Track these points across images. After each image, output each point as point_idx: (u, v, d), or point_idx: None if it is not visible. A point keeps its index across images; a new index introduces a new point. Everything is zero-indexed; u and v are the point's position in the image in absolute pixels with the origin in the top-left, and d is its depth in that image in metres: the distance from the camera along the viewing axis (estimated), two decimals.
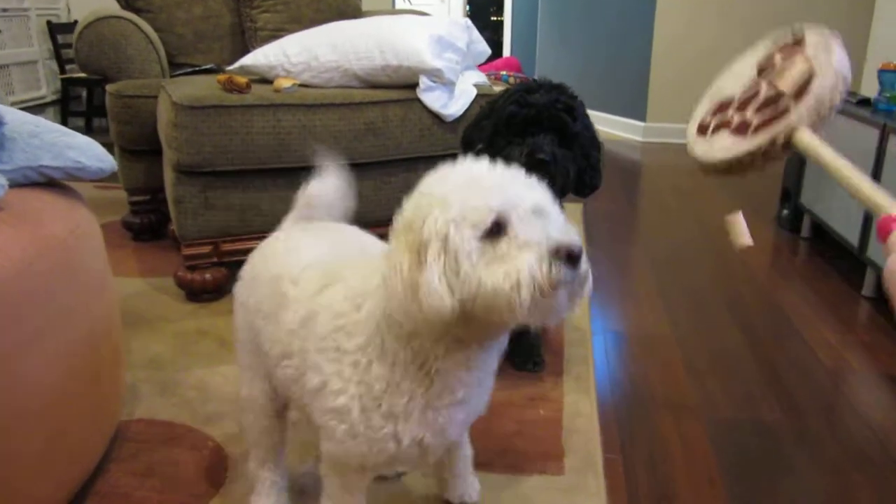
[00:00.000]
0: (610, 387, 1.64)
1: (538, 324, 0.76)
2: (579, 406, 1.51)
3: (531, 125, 1.42)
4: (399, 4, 6.43)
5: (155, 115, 2.20)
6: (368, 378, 0.84)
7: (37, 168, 1.17)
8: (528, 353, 1.65)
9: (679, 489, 1.29)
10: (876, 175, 2.15)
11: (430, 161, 1.59)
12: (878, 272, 2.14)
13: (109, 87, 2.35)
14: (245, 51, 2.54)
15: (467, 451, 1.18)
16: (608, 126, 5.11)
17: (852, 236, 2.29)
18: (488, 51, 2.41)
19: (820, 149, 0.58)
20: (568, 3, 5.82)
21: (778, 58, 0.70)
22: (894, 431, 1.49)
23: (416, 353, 0.82)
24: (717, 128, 0.68)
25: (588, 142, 1.48)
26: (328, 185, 1.17)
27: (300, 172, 2.02)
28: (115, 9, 2.51)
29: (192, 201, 1.93)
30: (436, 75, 2.09)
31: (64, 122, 4.92)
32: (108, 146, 2.38)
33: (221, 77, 1.97)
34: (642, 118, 4.92)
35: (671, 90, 4.80)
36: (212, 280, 2.00)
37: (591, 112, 1.58)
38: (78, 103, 5.13)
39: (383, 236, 0.89)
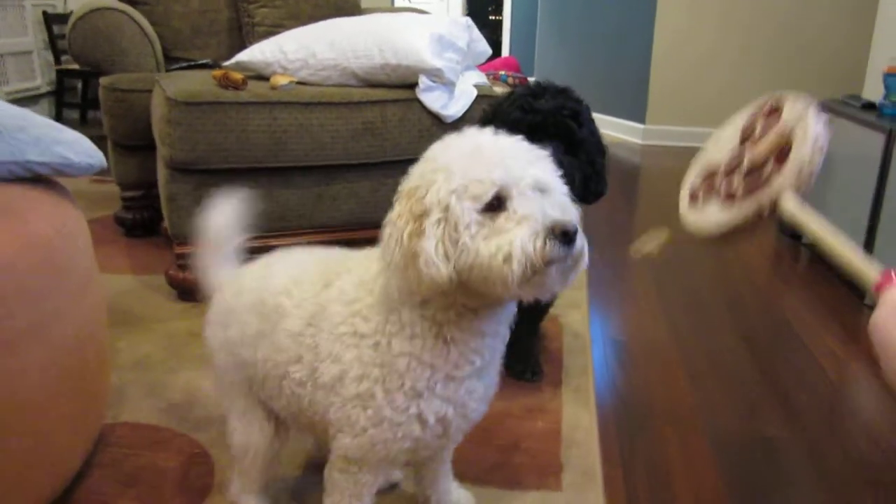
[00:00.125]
0: (610, 397, 1.60)
1: (530, 298, 0.78)
2: (578, 418, 1.47)
3: (536, 131, 1.36)
4: (398, 2, 6.39)
5: (149, 110, 2.16)
6: (390, 357, 0.85)
7: (23, 163, 1.13)
8: (526, 361, 1.61)
9: None
10: (881, 181, 2.12)
11: None
12: None
13: (103, 81, 2.31)
14: (242, 46, 2.50)
15: (448, 465, 1.15)
16: (608, 128, 5.07)
17: (855, 242, 2.25)
18: (489, 51, 2.37)
19: (805, 216, 0.58)
20: (568, 2, 5.79)
21: (759, 125, 0.70)
22: None
23: (432, 322, 0.83)
24: (707, 196, 0.69)
25: (594, 147, 1.44)
26: (226, 212, 1.13)
27: (295, 172, 2.01)
28: (111, 0, 2.47)
29: (185, 199, 1.88)
30: (436, 75, 2.05)
31: (58, 114, 4.88)
32: (102, 139, 2.35)
33: (217, 73, 1.93)
34: (642, 120, 4.89)
35: (671, 92, 4.77)
36: None
37: None
38: (73, 95, 5.08)
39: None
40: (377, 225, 0.85)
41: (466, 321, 0.84)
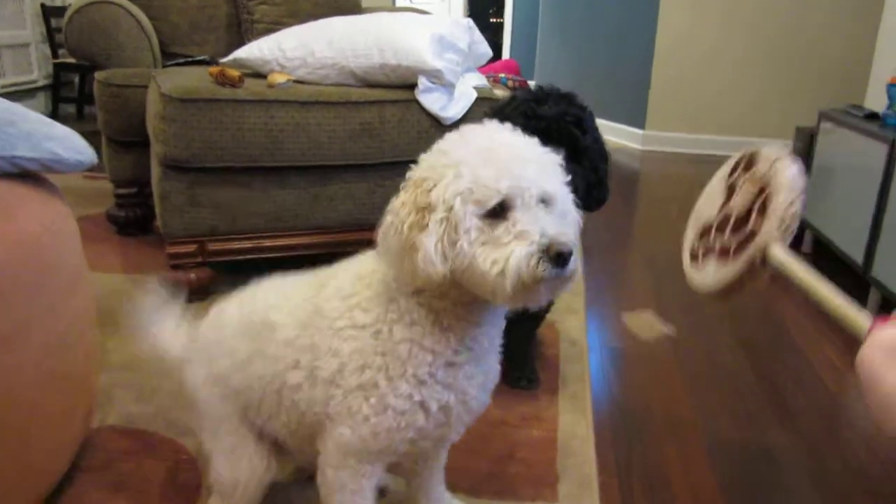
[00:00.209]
0: (607, 405, 1.58)
1: (518, 306, 0.80)
2: (575, 427, 1.44)
3: (539, 139, 1.33)
4: (400, 3, 6.37)
5: (144, 106, 2.13)
6: (392, 345, 0.85)
7: (10, 159, 1.10)
8: (522, 368, 1.58)
9: None
10: (883, 191, 2.10)
11: None
12: (882, 291, 2.09)
13: (98, 75, 2.28)
14: (241, 43, 2.47)
15: (441, 472, 1.13)
16: (608, 133, 5.05)
17: (856, 253, 2.24)
18: (490, 52, 2.34)
19: (793, 266, 0.59)
20: (569, 6, 5.77)
21: (740, 180, 0.73)
22: None
23: (428, 309, 0.84)
24: (706, 254, 0.72)
25: (597, 155, 1.41)
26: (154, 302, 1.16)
27: (292, 172, 1.98)
28: None
29: (179, 197, 1.86)
30: (435, 76, 2.02)
31: (55, 108, 4.84)
32: (98, 135, 2.32)
33: (213, 69, 1.90)
34: (641, 126, 4.87)
35: (671, 98, 4.75)
36: (196, 280, 1.92)
37: None
38: (70, 89, 5.04)
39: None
40: (374, 226, 0.85)
41: (461, 311, 0.85)
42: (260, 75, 2.07)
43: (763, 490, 1.33)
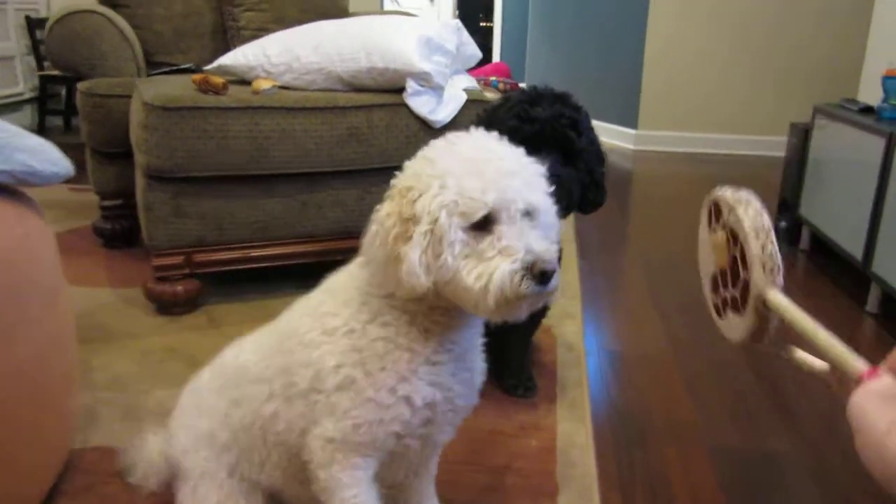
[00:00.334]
0: (607, 413, 1.54)
1: (497, 320, 0.80)
2: (574, 436, 1.40)
3: (533, 141, 1.27)
4: (387, 7, 6.34)
5: (128, 116, 2.09)
6: (367, 341, 0.84)
7: None
8: (519, 376, 1.54)
9: None
10: (881, 185, 2.07)
11: None
12: (883, 286, 2.06)
13: (80, 86, 2.23)
14: (227, 51, 2.42)
15: (432, 487, 1.09)
16: (600, 134, 5.02)
17: (856, 249, 2.21)
18: (479, 54, 2.31)
19: (790, 310, 0.61)
20: (559, 9, 5.75)
21: (716, 229, 0.72)
22: None
23: (402, 311, 0.84)
24: (724, 307, 0.71)
25: (593, 157, 1.38)
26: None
27: (279, 180, 1.94)
28: (91, 3, 2.40)
29: (163, 208, 1.81)
30: (424, 79, 1.98)
31: (41, 121, 4.80)
32: (83, 147, 2.28)
33: (197, 77, 1.86)
34: (634, 126, 4.85)
35: (663, 97, 4.74)
36: (183, 293, 1.88)
37: None
38: (57, 101, 4.99)
39: None
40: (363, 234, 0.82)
41: (438, 315, 0.84)
42: (245, 82, 2.03)
43: (764, 491, 1.31)
